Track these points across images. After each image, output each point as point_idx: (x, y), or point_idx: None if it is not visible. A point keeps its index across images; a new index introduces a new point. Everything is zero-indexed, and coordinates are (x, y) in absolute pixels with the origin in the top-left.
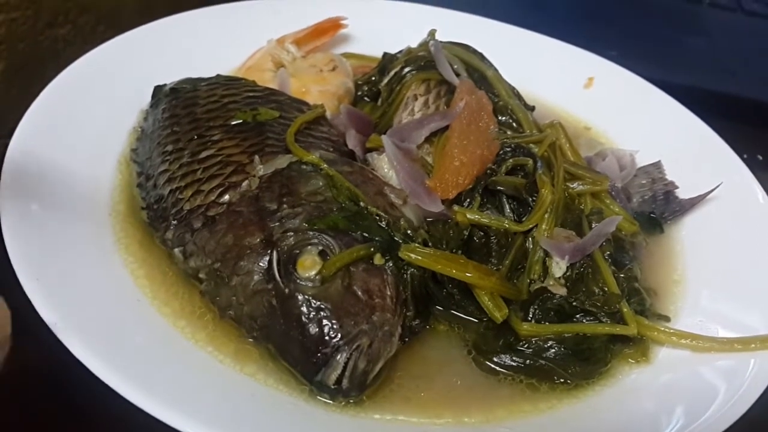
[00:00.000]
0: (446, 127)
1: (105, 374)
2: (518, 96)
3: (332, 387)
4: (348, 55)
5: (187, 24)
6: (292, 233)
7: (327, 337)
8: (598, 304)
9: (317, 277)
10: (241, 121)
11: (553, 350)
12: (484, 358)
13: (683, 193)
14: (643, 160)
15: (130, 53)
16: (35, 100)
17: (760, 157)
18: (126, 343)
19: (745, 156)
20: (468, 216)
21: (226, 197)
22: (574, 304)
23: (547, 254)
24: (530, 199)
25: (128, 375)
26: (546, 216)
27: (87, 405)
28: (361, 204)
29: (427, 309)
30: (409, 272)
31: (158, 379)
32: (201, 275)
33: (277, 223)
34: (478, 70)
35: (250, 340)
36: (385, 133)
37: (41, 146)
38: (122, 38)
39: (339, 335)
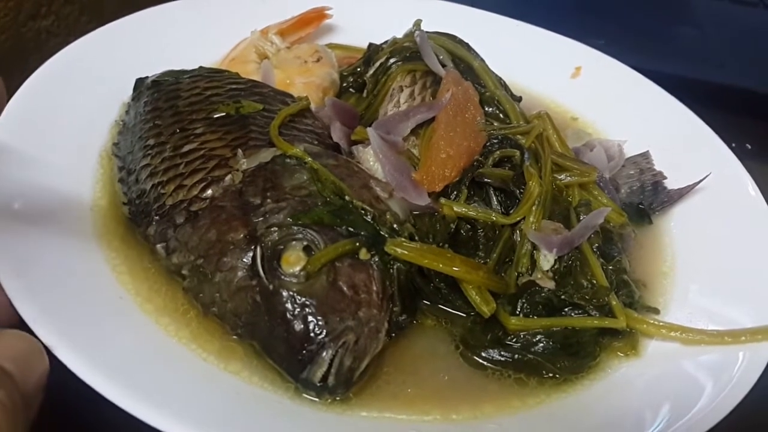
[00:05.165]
0: (432, 119)
1: (85, 372)
2: (505, 87)
3: (318, 384)
4: (333, 46)
5: (170, 15)
6: (276, 228)
7: (312, 334)
8: (587, 297)
9: (302, 272)
10: (224, 114)
11: (542, 344)
12: (472, 353)
13: (672, 184)
14: (631, 151)
15: (112, 45)
16: (16, 91)
17: (749, 146)
18: (108, 340)
19: (733, 145)
20: (455, 209)
21: (209, 192)
22: (563, 297)
23: (534, 247)
24: (518, 191)
25: (109, 373)
26: (533, 208)
27: (66, 404)
28: (347, 198)
29: (413, 304)
30: (395, 267)
31: (140, 377)
32: (184, 271)
33: (260, 218)
34: (464, 61)
35: (235, 337)
36: (370, 126)
37: (22, 139)
38: (105, 29)
39: (324, 332)
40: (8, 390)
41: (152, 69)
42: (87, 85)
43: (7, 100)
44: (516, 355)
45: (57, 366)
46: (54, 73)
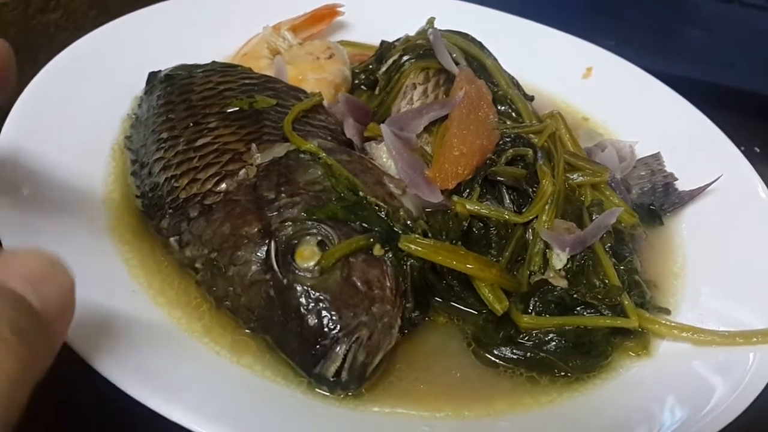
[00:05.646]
0: (445, 117)
1: (99, 364)
2: (517, 86)
3: (331, 379)
4: (345, 43)
5: (181, 9)
6: (290, 223)
7: (326, 329)
8: (599, 296)
9: (316, 267)
10: (237, 108)
11: (554, 343)
12: (484, 350)
13: (683, 185)
14: (642, 152)
15: (123, 39)
16: (27, 86)
17: (758, 150)
18: (120, 333)
19: (742, 148)
20: (467, 207)
21: (223, 186)
22: (575, 296)
23: (547, 246)
24: (530, 190)
25: (122, 365)
26: (546, 207)
27: (80, 395)
28: (360, 194)
29: (426, 301)
30: (408, 263)
31: (153, 369)
32: (197, 265)
33: (275, 213)
34: (477, 59)
35: (247, 331)
36: (383, 122)
37: (33, 133)
38: (115, 23)
39: (338, 327)
40: (20, 315)
41: (163, 63)
42: (98, 79)
43: (18, 94)
44: (528, 354)
45: (69, 356)
46: (65, 67)
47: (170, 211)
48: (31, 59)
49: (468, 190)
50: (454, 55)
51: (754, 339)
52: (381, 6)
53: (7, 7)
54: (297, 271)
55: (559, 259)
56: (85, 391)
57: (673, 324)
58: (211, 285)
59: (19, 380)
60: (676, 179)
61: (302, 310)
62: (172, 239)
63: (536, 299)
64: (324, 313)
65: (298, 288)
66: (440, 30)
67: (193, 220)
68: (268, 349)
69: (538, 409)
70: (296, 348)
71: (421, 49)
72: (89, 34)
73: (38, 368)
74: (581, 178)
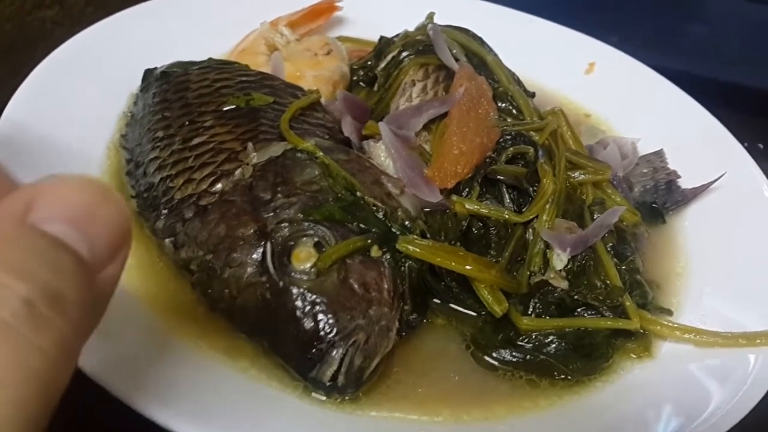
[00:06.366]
0: (445, 114)
1: (90, 368)
2: (518, 82)
3: (327, 384)
4: (343, 39)
5: (178, 6)
6: (286, 224)
7: (322, 332)
8: (600, 297)
9: (312, 269)
10: (233, 106)
11: (554, 345)
12: (482, 353)
13: (686, 183)
14: (644, 149)
15: (119, 35)
16: (22, 83)
17: (761, 146)
18: (113, 335)
19: (745, 145)
20: (467, 206)
21: (219, 186)
22: (576, 297)
23: (547, 246)
24: (531, 189)
25: (115, 369)
26: (547, 207)
27: (70, 399)
28: (358, 194)
29: (424, 302)
30: (406, 264)
31: (147, 373)
32: (192, 267)
33: (271, 214)
34: (477, 55)
35: (243, 334)
36: (381, 120)
37: (28, 131)
38: (111, 20)
39: (335, 330)
40: (61, 276)
41: (160, 60)
42: (94, 76)
43: (13, 91)
44: (528, 356)
45: None
46: (60, 64)
47: (165, 211)
48: (27, 56)
49: (467, 190)
50: (454, 51)
51: (758, 341)
52: (380, 1)
53: (4, 3)
54: (293, 273)
55: (560, 259)
56: (73, 394)
57: (675, 325)
58: (206, 287)
59: (58, 359)
60: (679, 177)
61: (298, 313)
62: (167, 240)
63: (536, 300)
64: (320, 316)
65: (294, 290)
66: (440, 25)
67: (189, 221)
68: (263, 353)
69: (537, 412)
70: (292, 352)
71: (421, 44)
72: (85, 30)
73: (85, 333)
74: (583, 176)
